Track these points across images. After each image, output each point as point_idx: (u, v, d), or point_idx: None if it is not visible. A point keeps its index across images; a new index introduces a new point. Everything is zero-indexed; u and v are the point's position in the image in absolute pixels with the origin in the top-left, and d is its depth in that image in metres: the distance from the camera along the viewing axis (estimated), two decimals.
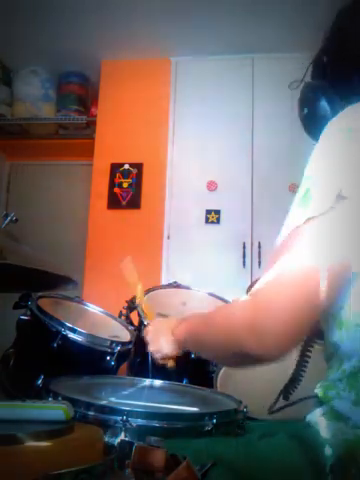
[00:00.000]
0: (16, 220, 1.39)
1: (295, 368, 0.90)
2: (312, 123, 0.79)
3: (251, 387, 1.27)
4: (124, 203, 3.06)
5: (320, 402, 0.77)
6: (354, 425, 0.67)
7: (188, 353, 1.48)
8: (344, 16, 0.78)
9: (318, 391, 0.76)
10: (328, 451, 0.68)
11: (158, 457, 0.57)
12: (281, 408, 0.77)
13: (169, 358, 1.05)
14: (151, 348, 1.04)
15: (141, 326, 1.60)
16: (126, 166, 3.10)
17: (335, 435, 0.68)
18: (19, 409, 0.61)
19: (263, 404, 0.96)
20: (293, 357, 0.92)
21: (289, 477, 0.68)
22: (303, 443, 0.71)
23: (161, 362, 1.06)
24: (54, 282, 1.42)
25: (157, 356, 1.04)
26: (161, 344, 1.00)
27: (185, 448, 0.69)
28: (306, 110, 0.80)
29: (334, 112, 0.76)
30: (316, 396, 0.78)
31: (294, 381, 0.87)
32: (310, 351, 0.88)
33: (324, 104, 0.77)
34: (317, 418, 0.75)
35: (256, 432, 0.81)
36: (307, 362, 0.88)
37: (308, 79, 0.89)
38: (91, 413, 0.85)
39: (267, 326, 0.64)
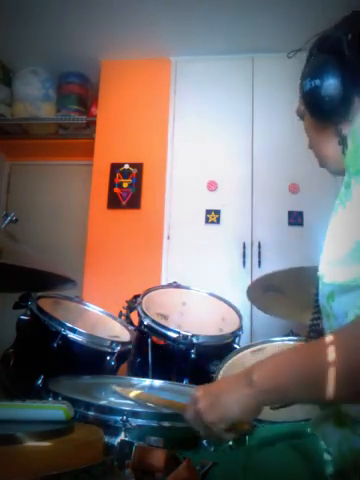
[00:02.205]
0: (16, 220, 1.39)
1: None
2: (320, 97, 0.78)
3: None
4: (124, 203, 3.06)
5: (322, 405, 0.76)
6: None
7: (187, 352, 1.49)
8: None
9: None
10: (330, 460, 0.67)
11: (158, 457, 0.57)
12: (284, 405, 0.75)
13: (241, 423, 0.70)
14: (208, 417, 0.68)
15: (141, 326, 1.60)
16: (126, 166, 3.10)
17: (340, 443, 0.67)
18: (19, 409, 0.61)
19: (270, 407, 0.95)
20: None
21: None
22: (304, 452, 0.70)
23: (226, 436, 0.70)
24: (54, 282, 1.42)
25: (220, 427, 0.68)
26: (226, 405, 0.67)
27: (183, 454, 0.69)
28: (317, 82, 0.77)
29: (346, 89, 0.75)
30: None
31: None
32: None
33: (338, 80, 0.76)
34: (321, 423, 0.74)
35: (255, 439, 0.80)
36: None
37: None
38: (91, 413, 0.85)
39: None
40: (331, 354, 0.59)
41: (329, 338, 0.62)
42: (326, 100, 0.77)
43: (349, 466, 0.65)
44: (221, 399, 0.67)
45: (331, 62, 0.77)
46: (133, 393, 1.00)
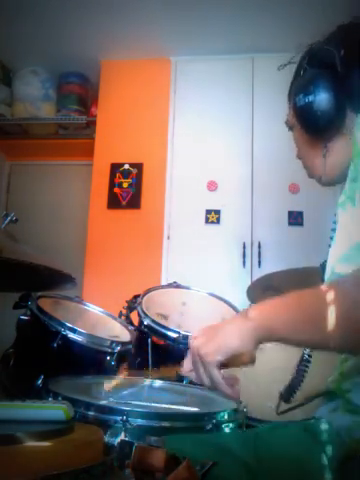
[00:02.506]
0: (16, 220, 1.39)
1: (295, 374, 0.89)
2: (314, 113, 0.78)
3: (251, 387, 1.27)
4: (124, 203, 3.06)
5: (331, 397, 0.76)
6: None
7: (187, 353, 1.48)
8: None
9: (331, 385, 0.75)
10: (340, 445, 0.67)
11: (158, 457, 0.57)
12: (290, 409, 0.76)
13: (240, 356, 0.69)
14: (204, 349, 0.68)
15: (141, 326, 1.60)
16: (126, 166, 3.11)
17: (350, 429, 0.68)
18: (19, 409, 0.61)
19: (263, 404, 0.96)
20: (292, 358, 0.92)
21: (302, 469, 0.67)
22: (315, 436, 0.70)
23: (225, 366, 0.70)
24: (54, 282, 1.42)
25: (217, 359, 0.67)
26: (225, 337, 0.68)
27: (192, 442, 0.69)
28: (311, 98, 0.77)
29: (339, 104, 0.76)
30: (326, 392, 0.78)
31: (293, 386, 0.87)
32: (310, 358, 0.88)
33: (331, 96, 0.76)
34: (328, 413, 0.74)
35: (266, 426, 0.80)
36: (308, 367, 0.88)
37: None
38: (91, 413, 0.85)
39: None
40: (328, 301, 0.61)
41: (327, 287, 0.64)
42: (320, 116, 0.77)
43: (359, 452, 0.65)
44: (219, 332, 0.69)
45: (324, 78, 0.77)
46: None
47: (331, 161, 0.81)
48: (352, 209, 0.70)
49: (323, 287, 0.65)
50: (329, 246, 0.77)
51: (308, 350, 0.88)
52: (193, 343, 0.71)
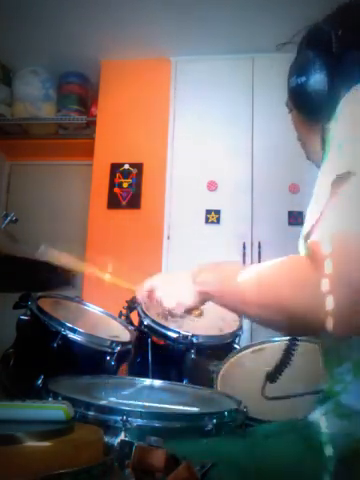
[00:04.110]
0: (16, 220, 1.39)
1: (283, 352, 0.91)
2: (306, 93, 0.76)
3: (251, 387, 1.27)
4: (124, 203, 3.06)
5: (322, 399, 0.77)
6: None
7: (187, 352, 1.49)
8: None
9: (324, 387, 0.76)
10: (333, 450, 0.67)
11: (158, 457, 0.57)
12: (280, 398, 0.77)
13: (192, 309, 0.93)
14: (168, 303, 0.90)
15: (141, 326, 1.60)
16: (126, 166, 3.11)
17: (341, 434, 0.68)
18: (19, 409, 0.61)
19: (263, 404, 0.96)
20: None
21: (298, 476, 0.67)
22: (309, 442, 0.71)
23: (182, 315, 0.93)
24: (54, 282, 1.42)
25: (177, 310, 0.91)
26: (181, 295, 0.89)
27: (188, 449, 0.69)
28: (304, 79, 0.76)
29: (333, 85, 0.74)
30: (317, 392, 0.78)
31: (280, 367, 0.88)
32: (297, 342, 0.89)
33: (325, 76, 0.75)
34: (321, 416, 0.74)
35: (261, 433, 0.80)
36: (296, 346, 0.89)
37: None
38: (91, 413, 0.85)
39: None
40: (272, 284, 0.68)
41: (269, 266, 0.72)
42: (313, 97, 0.76)
43: (352, 456, 0.65)
44: (175, 290, 0.90)
45: (319, 58, 0.75)
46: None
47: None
48: (315, 189, 0.69)
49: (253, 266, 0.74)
50: None
51: None
52: (156, 292, 0.93)
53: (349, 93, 0.67)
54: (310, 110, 0.79)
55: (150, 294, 0.95)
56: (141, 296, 0.98)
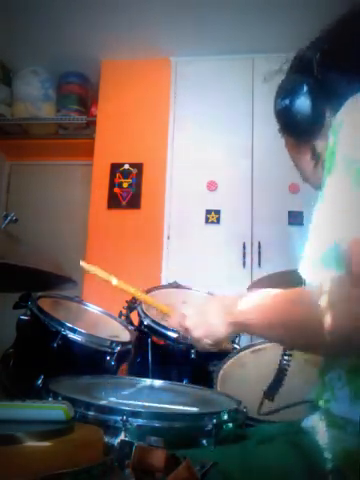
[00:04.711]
0: (16, 220, 1.39)
1: (277, 370, 0.91)
2: (291, 115, 0.79)
3: (251, 387, 1.27)
4: (124, 203, 3.06)
5: (315, 407, 0.77)
6: (353, 431, 0.66)
7: (187, 352, 1.49)
8: (350, 19, 0.79)
9: (313, 395, 0.76)
10: (326, 460, 0.67)
11: (158, 457, 0.57)
12: (273, 412, 0.77)
13: (222, 341, 0.91)
14: (197, 333, 0.89)
15: (141, 326, 1.60)
16: (126, 166, 3.11)
17: (333, 443, 0.68)
18: (19, 409, 0.61)
19: (263, 404, 0.95)
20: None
21: None
22: (301, 451, 0.71)
23: (210, 348, 0.91)
24: (54, 282, 1.42)
25: (206, 342, 0.89)
26: (211, 326, 0.87)
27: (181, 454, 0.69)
28: (287, 102, 0.79)
29: (317, 106, 0.77)
30: (310, 401, 0.78)
31: (276, 384, 0.88)
32: (290, 357, 0.89)
33: (308, 98, 0.77)
34: (313, 425, 0.74)
35: (254, 438, 0.80)
36: (289, 362, 0.90)
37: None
38: (91, 413, 0.85)
39: None
40: (298, 306, 0.69)
41: (301, 291, 0.70)
42: (297, 118, 0.79)
43: (345, 465, 0.65)
44: (207, 321, 0.88)
45: (300, 81, 0.79)
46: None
47: (318, 164, 0.82)
48: (321, 206, 0.70)
49: (297, 291, 0.71)
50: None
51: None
52: (186, 322, 0.90)
53: (348, 103, 0.68)
54: (296, 131, 0.82)
55: (182, 323, 0.92)
56: (174, 323, 0.96)
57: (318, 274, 0.67)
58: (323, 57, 0.78)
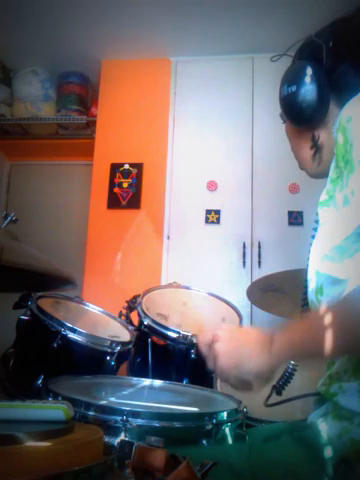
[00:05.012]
0: (16, 220, 1.39)
1: (287, 365, 0.90)
2: (296, 103, 0.79)
3: None
4: (124, 203, 3.06)
5: (321, 401, 0.77)
6: None
7: (187, 352, 1.49)
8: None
9: (320, 388, 0.76)
10: (332, 452, 0.67)
11: (158, 457, 0.57)
12: (278, 403, 0.76)
13: (254, 378, 0.74)
14: (225, 361, 0.73)
15: (141, 326, 1.60)
16: (126, 166, 3.10)
17: (340, 435, 0.68)
18: (19, 409, 0.61)
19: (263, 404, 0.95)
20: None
21: (295, 478, 0.68)
22: (307, 445, 0.71)
23: (236, 384, 0.74)
24: (54, 282, 1.42)
25: (233, 374, 0.73)
26: (247, 356, 0.71)
27: (187, 452, 0.69)
28: (293, 88, 0.79)
29: (322, 95, 0.77)
30: (316, 394, 0.78)
31: (287, 377, 0.88)
32: None
33: (315, 86, 0.77)
34: (320, 418, 0.74)
35: (259, 436, 0.81)
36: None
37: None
38: (91, 413, 0.85)
39: None
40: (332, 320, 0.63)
41: (331, 309, 0.65)
42: (302, 106, 0.78)
43: (351, 456, 0.65)
44: (240, 352, 0.72)
45: (308, 69, 0.78)
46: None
47: (316, 154, 0.82)
48: (334, 209, 0.70)
49: (328, 309, 0.66)
50: (310, 244, 0.77)
51: None
52: (216, 344, 0.74)
53: (355, 100, 0.68)
54: (300, 118, 0.81)
55: (211, 344, 0.77)
56: (202, 343, 0.80)
57: (327, 269, 0.67)
58: (334, 45, 0.77)
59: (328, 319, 0.64)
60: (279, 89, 0.84)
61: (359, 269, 0.63)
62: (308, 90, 0.77)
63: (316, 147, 0.81)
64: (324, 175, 0.81)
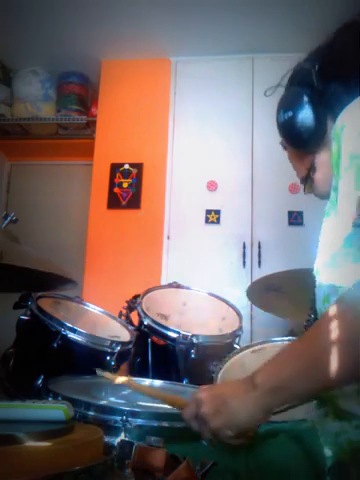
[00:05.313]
0: (16, 220, 1.39)
1: None
2: (294, 128, 0.81)
3: None
4: (124, 203, 3.06)
5: (321, 403, 0.77)
6: (358, 424, 0.66)
7: (187, 352, 1.49)
8: (345, 30, 0.81)
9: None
10: (329, 452, 0.68)
11: (158, 457, 0.57)
12: (279, 411, 0.76)
13: (246, 432, 0.69)
14: (214, 422, 0.67)
15: (141, 326, 1.60)
16: (126, 166, 3.10)
17: (338, 435, 0.68)
18: (19, 409, 0.61)
19: None
20: None
21: (290, 478, 0.68)
22: (304, 444, 0.71)
23: (233, 441, 0.69)
24: (54, 282, 1.42)
25: (227, 433, 0.67)
26: (235, 411, 0.66)
27: (184, 452, 0.69)
28: (290, 114, 0.81)
29: (319, 117, 0.78)
30: (318, 397, 0.78)
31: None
32: None
33: (310, 110, 0.79)
34: (319, 419, 0.74)
35: (257, 435, 0.81)
36: None
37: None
38: (91, 413, 0.86)
39: None
40: (324, 337, 0.60)
41: (318, 325, 0.64)
42: (300, 130, 0.80)
43: (347, 457, 0.66)
44: (227, 404, 0.67)
45: (301, 94, 0.80)
46: (119, 379, 0.95)
47: (319, 175, 0.83)
48: (333, 217, 0.72)
49: (315, 328, 0.65)
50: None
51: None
52: (201, 409, 0.69)
53: (347, 109, 0.69)
54: (299, 143, 0.83)
55: (197, 412, 0.70)
56: (188, 415, 0.73)
57: (326, 277, 0.68)
58: (322, 68, 0.79)
59: (316, 339, 0.62)
60: (276, 117, 0.86)
61: (346, 276, 0.63)
62: (303, 114, 0.80)
63: (313, 170, 0.83)
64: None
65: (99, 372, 0.99)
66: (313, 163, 0.83)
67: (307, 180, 0.87)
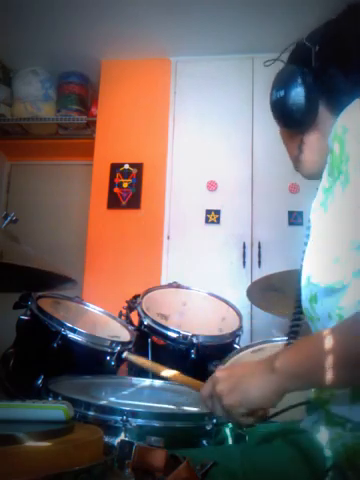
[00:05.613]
0: (16, 220, 1.39)
1: None
2: (285, 107, 0.79)
3: None
4: (124, 203, 3.06)
5: (312, 409, 0.77)
6: (353, 428, 0.66)
7: (187, 352, 1.49)
8: (350, 13, 0.79)
9: (312, 396, 0.76)
10: (325, 457, 0.67)
11: (158, 457, 0.57)
12: (272, 416, 0.76)
13: (259, 410, 0.71)
14: (228, 399, 0.69)
15: (141, 326, 1.60)
16: (126, 166, 3.10)
17: (333, 440, 0.68)
18: (19, 409, 0.61)
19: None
20: None
21: None
22: (301, 449, 0.71)
23: (245, 420, 0.71)
24: (54, 282, 1.42)
25: (240, 411, 0.69)
26: (249, 389, 0.67)
27: (187, 452, 0.69)
28: (282, 93, 0.79)
29: (311, 99, 0.77)
30: (308, 402, 0.78)
31: None
32: None
33: (303, 90, 0.77)
34: (312, 425, 0.74)
35: (253, 438, 0.81)
36: None
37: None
38: (91, 413, 0.86)
39: None
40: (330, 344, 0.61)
41: (348, 324, 0.62)
42: (291, 109, 0.79)
43: (344, 462, 0.65)
44: (243, 383, 0.68)
45: (297, 73, 0.79)
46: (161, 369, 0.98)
47: (307, 154, 0.83)
48: (326, 218, 0.70)
49: (340, 327, 0.64)
50: (303, 252, 0.77)
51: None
52: (216, 387, 0.71)
53: (349, 110, 0.68)
54: (289, 121, 0.82)
55: (213, 390, 0.72)
56: (204, 393, 0.74)
57: (331, 272, 0.67)
58: (322, 48, 0.78)
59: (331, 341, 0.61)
60: (270, 93, 0.85)
61: (356, 283, 0.63)
62: (295, 93, 0.78)
63: (301, 149, 0.82)
64: (318, 176, 0.81)
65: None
66: (301, 143, 0.82)
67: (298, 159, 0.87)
